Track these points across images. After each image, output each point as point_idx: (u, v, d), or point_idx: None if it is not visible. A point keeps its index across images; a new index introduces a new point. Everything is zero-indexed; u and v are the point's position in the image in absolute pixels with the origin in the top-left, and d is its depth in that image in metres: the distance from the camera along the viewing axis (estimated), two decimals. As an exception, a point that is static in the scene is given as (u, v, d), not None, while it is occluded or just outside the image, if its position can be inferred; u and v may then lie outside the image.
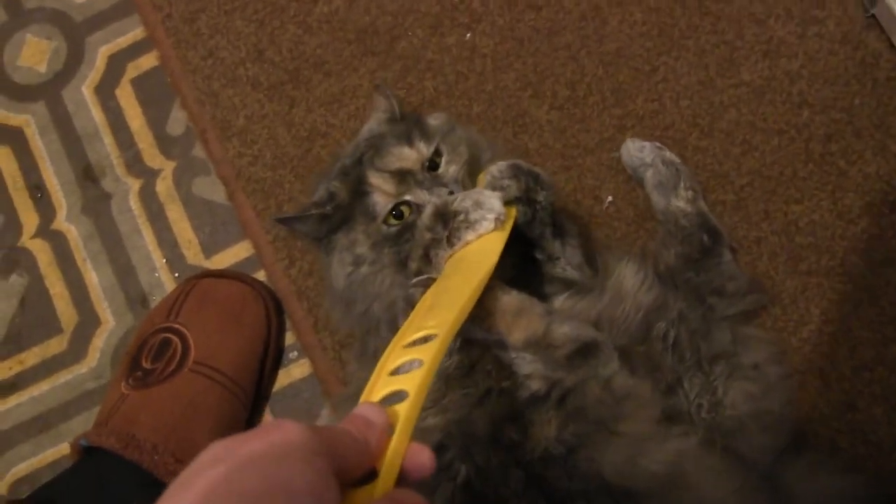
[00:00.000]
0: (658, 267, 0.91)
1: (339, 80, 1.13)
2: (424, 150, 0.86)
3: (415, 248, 0.77)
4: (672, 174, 0.97)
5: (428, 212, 0.77)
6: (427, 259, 0.75)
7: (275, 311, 1.05)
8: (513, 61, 1.10)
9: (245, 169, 1.11)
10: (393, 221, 0.83)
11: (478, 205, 0.75)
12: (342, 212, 0.86)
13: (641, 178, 1.00)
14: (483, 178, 0.81)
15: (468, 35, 1.12)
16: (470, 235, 0.74)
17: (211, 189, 1.14)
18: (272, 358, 1.04)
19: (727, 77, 1.05)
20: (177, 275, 1.12)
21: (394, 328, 0.78)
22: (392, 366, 0.57)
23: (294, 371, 1.06)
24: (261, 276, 1.08)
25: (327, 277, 0.91)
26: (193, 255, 1.13)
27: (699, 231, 0.93)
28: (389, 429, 0.49)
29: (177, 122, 1.18)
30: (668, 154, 0.99)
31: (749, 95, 1.04)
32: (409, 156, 0.85)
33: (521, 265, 0.82)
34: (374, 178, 0.85)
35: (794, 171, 1.00)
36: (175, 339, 0.99)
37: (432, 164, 0.86)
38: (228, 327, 1.00)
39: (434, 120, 0.94)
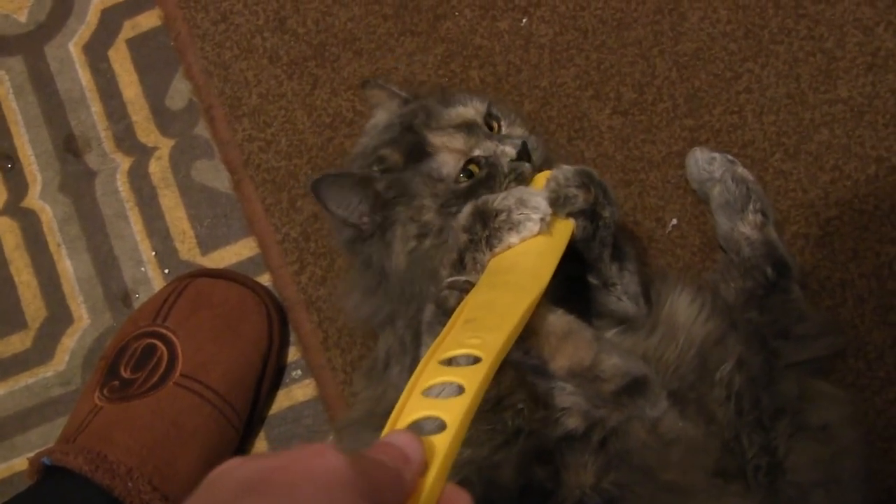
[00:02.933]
0: (716, 303, 0.93)
1: (371, 61, 1.17)
2: (480, 106, 0.90)
3: (448, 253, 0.79)
4: (742, 194, 1.00)
5: (465, 211, 0.79)
6: (462, 265, 0.78)
7: (278, 322, 1.08)
8: (573, 55, 1.14)
9: (255, 155, 1.15)
10: (463, 179, 0.86)
11: (521, 203, 0.77)
12: (394, 182, 0.88)
13: (707, 196, 1.04)
14: (540, 180, 0.83)
15: (524, 20, 1.16)
16: (512, 237, 0.76)
17: (213, 175, 1.18)
18: (271, 376, 1.07)
19: (821, 91, 1.09)
20: (167, 271, 1.16)
21: (416, 324, 0.83)
22: (426, 383, 0.59)
23: (296, 392, 1.10)
24: (265, 280, 1.12)
25: (354, 274, 0.94)
26: (188, 249, 1.16)
27: (764, 262, 0.95)
28: (424, 465, 0.51)
29: (178, 94, 1.21)
30: (741, 170, 1.02)
31: (845, 114, 1.08)
32: (470, 111, 0.89)
33: (568, 290, 0.85)
34: (437, 138, 0.88)
35: (892, 205, 1.04)
36: (161, 346, 1.02)
37: (491, 126, 0.90)
38: (224, 337, 1.03)
39: (462, 95, 0.96)
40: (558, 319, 0.74)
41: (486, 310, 0.68)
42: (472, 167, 0.86)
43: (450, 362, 0.61)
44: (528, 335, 0.71)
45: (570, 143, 1.11)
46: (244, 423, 1.03)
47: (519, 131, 0.90)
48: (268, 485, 0.43)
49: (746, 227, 0.98)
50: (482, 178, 0.85)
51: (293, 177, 1.14)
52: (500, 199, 0.78)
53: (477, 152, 0.86)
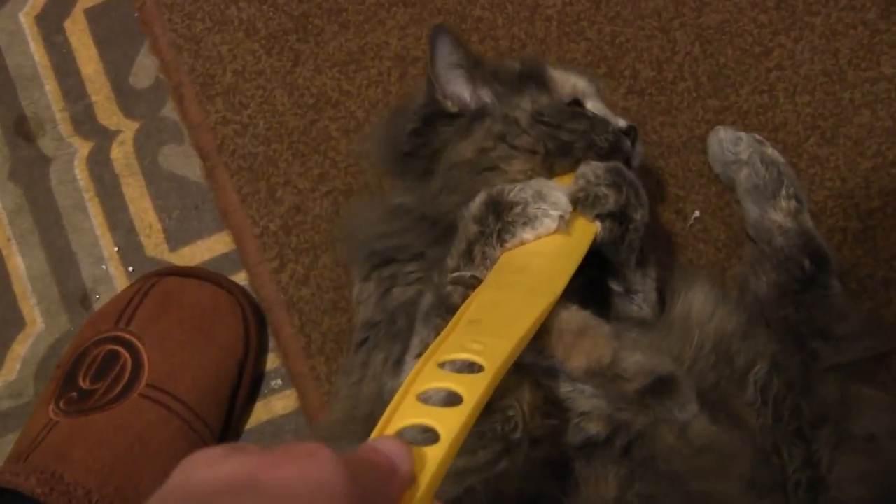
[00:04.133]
0: (743, 297, 0.94)
1: (359, 35, 1.17)
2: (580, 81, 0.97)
3: (456, 243, 0.79)
4: (772, 177, 0.99)
5: (479, 199, 0.80)
6: (470, 257, 0.78)
7: (255, 326, 1.07)
8: (584, 28, 1.14)
9: (230, 139, 1.15)
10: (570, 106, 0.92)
11: (539, 197, 0.78)
12: (506, 77, 0.93)
13: (732, 180, 1.04)
14: (567, 178, 0.84)
15: (530, -11, 1.16)
16: (527, 233, 0.77)
17: (183, 162, 1.17)
18: (248, 386, 1.06)
19: (862, 69, 1.09)
20: (131, 269, 1.15)
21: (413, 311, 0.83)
22: (422, 387, 0.59)
23: (275, 404, 1.09)
24: (241, 278, 1.11)
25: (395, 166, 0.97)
26: (154, 245, 1.15)
27: (799, 254, 0.94)
28: (412, 477, 0.51)
29: (144, 71, 1.21)
30: (771, 151, 1.02)
31: (890, 94, 1.08)
32: (584, 75, 0.97)
33: (584, 293, 0.84)
34: (556, 73, 0.94)
35: (940, 196, 1.05)
36: (124, 352, 1.00)
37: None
38: (194, 342, 1.02)
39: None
40: (573, 316, 0.74)
41: (493, 312, 0.69)
42: (580, 108, 0.91)
43: (450, 366, 0.62)
44: (540, 334, 0.71)
45: None
46: (217, 438, 1.02)
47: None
48: (258, 486, 0.42)
49: (779, 215, 0.97)
50: (588, 116, 0.90)
51: (272, 163, 1.13)
52: (516, 191, 0.78)
53: (588, 104, 0.93)
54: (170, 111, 1.18)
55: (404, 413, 0.57)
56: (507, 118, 0.88)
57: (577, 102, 0.92)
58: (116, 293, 1.10)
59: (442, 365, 0.62)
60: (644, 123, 1.09)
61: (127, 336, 1.01)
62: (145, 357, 0.99)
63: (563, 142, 0.87)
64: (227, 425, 1.04)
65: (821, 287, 0.93)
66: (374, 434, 0.56)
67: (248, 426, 1.07)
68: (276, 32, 1.17)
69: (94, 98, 1.20)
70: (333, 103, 1.14)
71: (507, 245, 0.77)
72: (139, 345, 1.00)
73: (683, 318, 0.85)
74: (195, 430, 0.99)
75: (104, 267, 1.15)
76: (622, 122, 0.91)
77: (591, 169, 0.82)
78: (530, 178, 0.83)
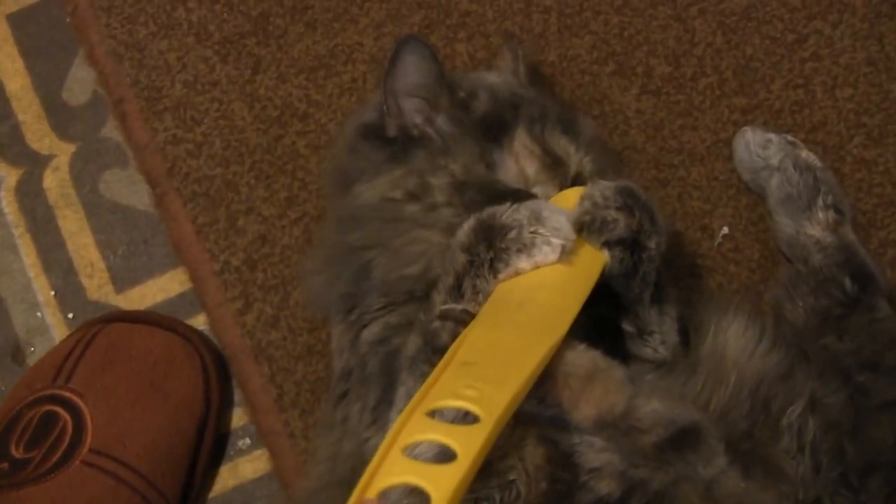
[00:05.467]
0: (780, 329, 0.91)
1: (328, 36, 1.14)
2: (588, 167, 0.91)
3: (444, 275, 0.78)
4: (808, 185, 0.97)
5: (467, 225, 0.78)
6: (460, 292, 0.76)
7: (217, 378, 1.05)
8: (588, 20, 1.12)
9: (182, 161, 1.12)
10: (508, 185, 0.88)
11: (537, 220, 0.76)
12: (456, 119, 0.90)
13: (762, 189, 1.02)
14: (571, 197, 0.82)
15: (524, -23, 1.16)
16: (522, 261, 0.75)
17: (128, 189, 1.14)
18: (210, 447, 1.03)
19: None
20: (71, 315, 1.12)
21: (384, 353, 0.81)
22: (410, 439, 0.58)
23: (244, 467, 1.06)
24: (199, 323, 1.09)
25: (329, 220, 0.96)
26: (98, 286, 1.12)
27: (840, 273, 0.93)
28: None
29: (79, 84, 1.18)
30: (806, 154, 1.00)
31: None
32: (572, 155, 0.90)
33: (591, 331, 0.82)
34: (522, 144, 0.89)
35: None
36: (63, 413, 0.97)
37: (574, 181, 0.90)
38: (146, 399, 0.99)
39: (589, 132, 0.97)
40: (580, 357, 0.72)
41: (489, 354, 0.67)
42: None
43: (440, 415, 0.61)
44: (542, 379, 0.69)
45: None
46: None
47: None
48: None
49: (816, 228, 0.95)
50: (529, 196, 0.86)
51: (232, 188, 1.10)
52: (509, 213, 0.77)
53: (536, 191, 0.87)
54: (111, 131, 1.15)
55: (389, 470, 0.56)
56: (422, 177, 0.87)
57: (523, 195, 0.87)
58: (54, 344, 1.08)
59: (431, 414, 0.60)
60: (661, 127, 1.07)
61: (66, 394, 0.98)
62: (88, 418, 0.97)
63: None
64: (187, 494, 1.01)
65: (866, 310, 0.91)
66: (354, 496, 0.54)
67: (212, 494, 1.05)
68: (231, 36, 1.14)
69: (21, 117, 1.17)
70: (301, 116, 1.11)
71: (501, 276, 0.75)
72: (81, 404, 0.97)
73: (716, 357, 0.83)
74: (149, 502, 0.96)
75: (39, 314, 1.12)
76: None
77: (599, 189, 0.80)
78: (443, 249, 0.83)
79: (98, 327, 1.02)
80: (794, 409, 0.81)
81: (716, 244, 1.03)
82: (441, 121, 0.90)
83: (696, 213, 1.04)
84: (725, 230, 1.03)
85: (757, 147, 1.01)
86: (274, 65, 1.13)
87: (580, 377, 0.71)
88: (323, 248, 0.95)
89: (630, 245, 0.79)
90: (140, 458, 0.96)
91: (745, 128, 1.03)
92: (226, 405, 1.05)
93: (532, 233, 0.75)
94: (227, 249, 1.08)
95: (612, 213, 0.78)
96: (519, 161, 0.88)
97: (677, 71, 1.08)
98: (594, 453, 0.71)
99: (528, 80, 0.99)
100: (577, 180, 0.89)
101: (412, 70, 0.89)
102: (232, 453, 1.05)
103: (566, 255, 0.75)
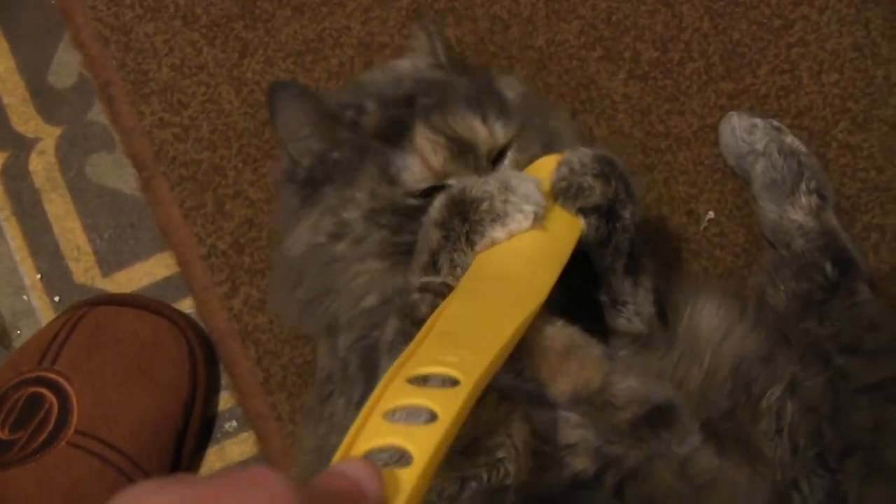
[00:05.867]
0: (762, 312, 0.91)
1: (316, 20, 1.14)
2: (501, 135, 0.88)
3: (418, 254, 0.78)
4: (792, 170, 0.99)
5: (439, 203, 0.78)
6: (436, 268, 0.76)
7: (204, 360, 1.05)
8: (576, 5, 1.12)
9: (169, 145, 1.12)
10: (415, 199, 0.86)
11: (507, 188, 0.76)
12: (349, 147, 0.88)
13: (748, 174, 1.03)
14: (547, 164, 0.81)
15: (512, -39, 1.16)
16: (497, 231, 0.75)
17: (115, 172, 1.14)
18: (197, 430, 1.04)
19: None
20: (57, 299, 1.12)
21: (362, 347, 0.82)
22: (390, 404, 0.58)
23: (231, 449, 1.06)
24: (186, 306, 1.09)
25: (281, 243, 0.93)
26: (84, 270, 1.12)
27: (821, 257, 0.94)
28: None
29: (65, 68, 1.18)
30: (791, 139, 1.01)
31: None
32: (481, 133, 0.87)
33: (567, 302, 0.82)
34: (424, 138, 0.86)
35: None
36: (49, 395, 0.97)
37: (497, 156, 0.88)
38: (132, 381, 1.00)
39: (511, 92, 0.95)
40: (558, 332, 0.73)
41: (467, 324, 0.68)
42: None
43: (420, 381, 0.61)
44: (520, 353, 0.70)
45: (576, 117, 1.08)
46: None
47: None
48: None
49: (798, 213, 0.96)
50: None
51: (219, 172, 1.10)
52: (479, 185, 0.77)
53: (451, 182, 0.85)
54: (97, 114, 1.15)
55: (370, 433, 0.56)
56: (336, 215, 0.87)
57: (437, 189, 0.85)
58: (40, 327, 1.08)
59: (411, 380, 0.61)
60: (648, 112, 1.07)
61: (52, 376, 0.98)
62: (74, 400, 0.97)
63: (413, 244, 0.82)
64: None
65: (847, 295, 0.92)
66: (336, 457, 0.55)
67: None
68: (218, 19, 1.14)
69: (6, 100, 1.17)
70: None
71: (478, 247, 0.75)
72: (67, 386, 0.97)
73: (690, 335, 0.84)
74: (136, 483, 0.94)
75: (25, 297, 1.12)
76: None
77: (577, 156, 0.79)
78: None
79: (84, 310, 1.03)
80: (774, 392, 0.82)
81: (701, 228, 1.03)
82: (336, 154, 0.89)
83: (682, 197, 1.04)
84: (711, 215, 1.04)
85: (742, 132, 1.01)
86: (261, 48, 1.13)
87: (557, 352, 0.71)
88: (282, 299, 0.95)
89: (605, 213, 0.79)
90: (126, 440, 0.96)
91: (731, 113, 1.03)
92: (212, 388, 1.06)
93: (504, 202, 0.75)
94: (214, 233, 1.08)
95: (589, 180, 0.78)
96: (425, 158, 0.86)
97: (665, 56, 1.08)
98: (570, 429, 0.72)
99: (446, 57, 0.97)
100: (501, 155, 0.88)
101: (288, 117, 0.89)
102: (219, 436, 1.05)
103: (539, 221, 0.75)
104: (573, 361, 0.72)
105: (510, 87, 0.95)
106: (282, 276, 0.91)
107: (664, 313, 0.87)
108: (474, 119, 0.87)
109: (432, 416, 0.56)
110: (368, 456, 0.54)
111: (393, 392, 0.59)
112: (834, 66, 1.06)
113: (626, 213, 0.80)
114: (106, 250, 1.12)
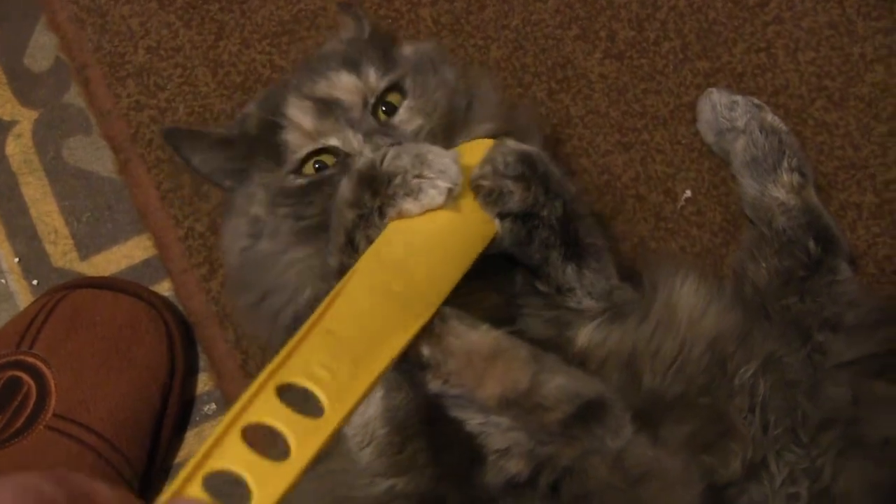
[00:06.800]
0: (741, 289, 0.93)
1: (292, 1, 1.15)
2: (373, 80, 0.88)
3: (334, 235, 0.77)
4: (773, 148, 0.99)
5: (347, 181, 0.77)
6: (352, 248, 0.76)
7: (182, 343, 1.05)
8: None
9: (146, 127, 1.12)
10: (309, 172, 0.86)
11: (421, 162, 0.74)
12: (247, 151, 0.90)
13: (726, 152, 1.03)
14: (477, 149, 0.80)
15: (488, -59, 1.17)
16: (409, 204, 0.73)
17: (92, 155, 1.14)
18: (175, 413, 1.04)
19: (873, 18, 1.08)
20: (35, 282, 1.12)
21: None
22: (253, 418, 0.57)
23: (209, 432, 1.02)
24: (164, 288, 1.10)
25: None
26: (62, 253, 1.12)
27: (804, 235, 0.94)
28: None
29: (41, 50, 1.18)
30: (772, 117, 1.01)
31: None
32: (347, 84, 0.88)
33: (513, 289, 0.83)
34: (293, 108, 0.88)
35: (965, 164, 1.05)
36: (27, 379, 0.97)
37: (388, 107, 0.88)
38: (110, 364, 1.00)
39: (410, 47, 0.96)
40: (484, 337, 0.72)
41: (354, 328, 0.66)
42: (325, 157, 0.86)
43: (288, 391, 0.60)
44: (445, 358, 0.71)
45: (551, 97, 1.09)
46: (140, 474, 0.99)
47: (418, 122, 0.87)
48: None
49: (780, 191, 0.97)
50: (328, 176, 0.85)
51: None
52: (389, 158, 0.76)
53: (332, 142, 0.86)
54: (74, 97, 1.16)
55: (224, 452, 0.55)
56: (247, 214, 0.89)
57: (321, 152, 0.87)
58: (18, 311, 1.08)
59: (282, 389, 0.59)
60: (624, 91, 1.08)
61: (30, 360, 0.98)
62: (52, 383, 0.97)
63: (326, 222, 0.82)
64: (153, 460, 1.02)
65: (828, 272, 0.93)
66: (188, 467, 0.54)
67: (178, 459, 1.05)
68: (194, 1, 1.15)
69: None
70: (264, 81, 1.12)
71: (388, 218, 0.74)
72: (45, 369, 0.97)
73: (668, 309, 0.83)
74: (113, 466, 0.96)
75: (3, 281, 1.12)
76: (369, 149, 0.84)
77: (502, 154, 0.79)
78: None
79: (62, 293, 1.03)
80: (748, 370, 0.82)
81: (678, 207, 1.04)
82: (236, 164, 0.91)
83: (658, 176, 1.05)
84: (688, 193, 1.04)
85: (723, 108, 1.02)
86: (237, 30, 1.13)
87: (483, 357, 0.71)
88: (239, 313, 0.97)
89: (522, 217, 0.79)
90: (104, 423, 0.96)
91: (711, 89, 1.04)
92: (191, 371, 1.06)
93: (417, 176, 0.74)
94: (192, 215, 1.08)
95: (509, 184, 0.77)
96: (297, 125, 0.87)
97: (640, 35, 1.09)
98: (501, 433, 0.72)
99: (371, 39, 0.97)
100: (392, 106, 0.88)
101: (189, 149, 0.91)
102: (198, 419, 1.06)
103: (453, 198, 0.73)
104: (499, 364, 0.71)
105: (412, 46, 0.95)
106: (231, 290, 0.92)
107: (637, 279, 0.87)
108: (341, 74, 0.87)
109: (285, 448, 0.56)
110: (210, 479, 0.53)
111: (261, 403, 0.58)
112: (810, 44, 1.06)
113: (545, 213, 0.79)
114: (84, 233, 1.12)
